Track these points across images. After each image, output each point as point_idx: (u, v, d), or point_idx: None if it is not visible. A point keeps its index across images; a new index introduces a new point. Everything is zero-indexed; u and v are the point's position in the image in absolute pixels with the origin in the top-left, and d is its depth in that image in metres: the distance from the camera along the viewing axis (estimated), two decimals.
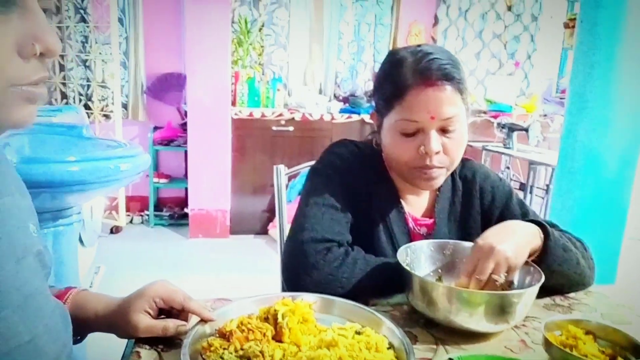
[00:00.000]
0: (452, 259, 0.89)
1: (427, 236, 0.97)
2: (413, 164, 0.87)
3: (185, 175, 3.67)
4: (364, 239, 0.91)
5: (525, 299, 0.73)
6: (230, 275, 2.97)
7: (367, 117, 3.67)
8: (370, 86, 4.11)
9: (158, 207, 3.85)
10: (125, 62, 3.63)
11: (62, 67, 3.52)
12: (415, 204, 0.99)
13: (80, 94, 3.55)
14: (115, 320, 0.67)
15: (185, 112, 3.55)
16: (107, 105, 3.47)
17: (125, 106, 3.66)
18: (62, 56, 3.48)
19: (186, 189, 3.66)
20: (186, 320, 0.70)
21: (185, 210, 3.67)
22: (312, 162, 1.53)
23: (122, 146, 1.57)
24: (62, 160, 1.25)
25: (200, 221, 3.54)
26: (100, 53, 3.43)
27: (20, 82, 0.40)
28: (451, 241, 0.90)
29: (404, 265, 0.79)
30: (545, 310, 0.86)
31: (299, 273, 0.83)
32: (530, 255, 0.81)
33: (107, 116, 3.44)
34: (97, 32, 3.41)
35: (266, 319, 0.69)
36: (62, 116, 2.07)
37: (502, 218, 0.97)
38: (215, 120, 3.41)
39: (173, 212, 3.83)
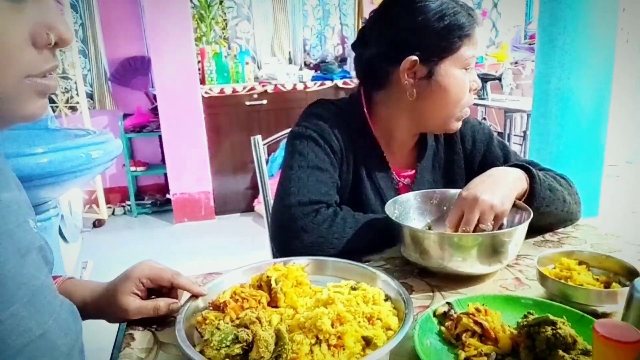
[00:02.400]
0: (439, 208, 0.88)
1: (412, 186, 0.96)
2: (465, 101, 0.90)
3: (163, 160, 3.60)
4: (351, 198, 0.90)
5: (516, 237, 0.73)
6: (221, 256, 2.95)
7: (339, 82, 3.62)
8: (339, 51, 4.04)
9: (139, 196, 3.78)
10: (84, 50, 3.48)
11: None
12: (397, 157, 0.98)
13: None
14: (104, 306, 0.65)
15: (155, 96, 3.45)
16: (71, 97, 3.34)
17: (90, 96, 3.53)
18: None
19: (165, 175, 3.59)
20: (177, 298, 0.68)
21: (168, 196, 3.62)
22: (284, 132, 1.51)
23: (90, 134, 1.51)
24: (30, 153, 1.20)
25: (184, 205, 3.50)
26: None
27: (34, 73, 0.40)
28: (437, 190, 0.90)
29: (393, 218, 0.78)
30: (536, 247, 0.87)
31: (288, 238, 0.82)
32: (518, 200, 0.81)
33: (73, 108, 3.32)
34: None
35: (259, 287, 0.68)
36: None
37: (484, 161, 0.97)
38: (186, 100, 3.33)
39: (155, 199, 3.77)
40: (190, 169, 3.45)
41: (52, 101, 3.29)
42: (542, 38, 2.10)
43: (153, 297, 0.68)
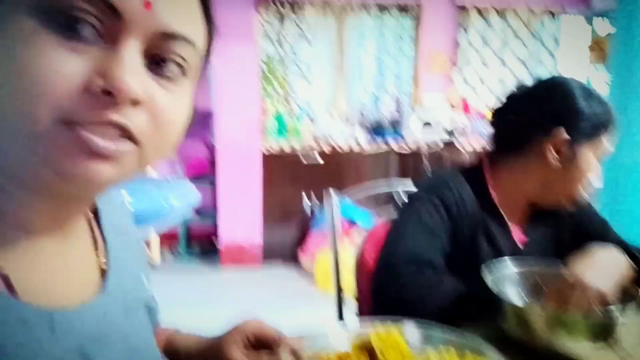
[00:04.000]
0: (538, 282, 0.86)
1: (523, 252, 0.97)
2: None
3: (214, 208, 3.69)
4: (467, 262, 0.90)
5: (628, 315, 0.70)
6: (266, 305, 2.93)
7: (395, 146, 3.67)
8: (394, 115, 4.13)
9: (189, 241, 3.86)
10: None
11: None
12: (512, 222, 1.01)
13: None
14: (209, 358, 0.66)
15: (213, 147, 3.60)
16: None
17: None
18: None
19: (215, 223, 3.66)
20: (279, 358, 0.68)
21: (216, 243, 3.67)
22: (359, 189, 1.53)
23: (171, 183, 1.58)
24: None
25: (232, 253, 3.54)
26: None
27: (75, 119, 0.34)
28: (538, 261, 0.89)
29: (488, 283, 0.76)
30: None
31: (389, 292, 0.83)
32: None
33: None
34: None
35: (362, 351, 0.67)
36: None
37: (582, 232, 0.99)
38: (244, 154, 3.45)
39: (204, 246, 3.83)
40: (241, 218, 3.52)
41: None
42: None
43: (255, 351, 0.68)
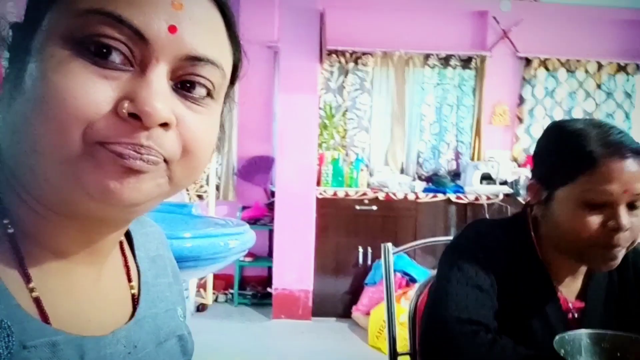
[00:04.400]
0: (612, 354, 0.77)
1: (580, 321, 0.87)
2: (595, 240, 0.80)
3: (269, 254, 3.71)
4: (511, 326, 0.83)
5: None
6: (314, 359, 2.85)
7: (452, 196, 3.58)
8: (453, 166, 4.06)
9: (242, 285, 3.89)
10: (219, 147, 3.88)
11: None
12: (567, 285, 0.91)
13: None
14: None
15: (272, 192, 3.67)
16: (201, 187, 3.68)
17: (217, 187, 3.87)
18: None
19: (269, 268, 3.68)
20: None
21: (269, 289, 3.67)
22: (416, 243, 1.49)
23: (229, 224, 1.62)
24: (179, 237, 1.30)
25: (283, 301, 3.51)
26: None
27: (107, 139, 0.35)
28: (609, 332, 0.79)
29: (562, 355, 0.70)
30: None
31: (444, 354, 0.77)
32: None
33: (200, 196, 3.64)
34: None
35: None
36: None
37: None
38: (301, 199, 3.49)
39: (256, 291, 3.84)
40: (294, 265, 3.51)
41: (185, 190, 3.66)
42: None
43: None
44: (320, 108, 3.84)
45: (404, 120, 4.01)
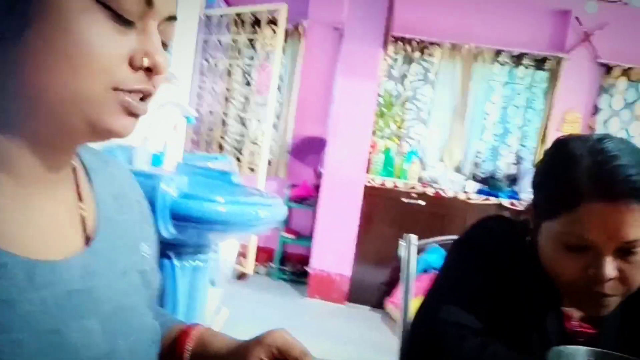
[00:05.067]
0: None
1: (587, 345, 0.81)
2: (578, 284, 0.72)
3: (312, 234, 3.77)
4: (509, 335, 0.79)
5: None
6: (344, 346, 2.88)
7: (505, 202, 3.44)
8: (512, 170, 3.89)
9: (282, 261, 3.98)
10: (276, 124, 3.97)
11: (223, 123, 3.98)
12: (577, 303, 0.82)
13: (234, 148, 3.94)
14: None
15: (321, 174, 3.71)
16: (254, 160, 3.79)
17: (269, 162, 3.96)
18: (225, 113, 3.94)
19: (310, 248, 3.74)
20: None
21: (307, 268, 3.73)
22: (445, 237, 1.46)
23: (263, 195, 1.66)
24: (213, 200, 1.36)
25: (320, 282, 3.56)
26: (256, 113, 3.81)
27: (123, 87, 0.42)
28: (617, 354, 0.74)
29: None
30: None
31: (428, 354, 0.76)
32: None
33: (252, 169, 3.74)
34: (257, 94, 3.81)
35: None
36: (217, 163, 2.30)
37: None
38: (349, 185, 3.50)
39: (296, 268, 3.92)
40: (334, 248, 3.54)
41: (238, 160, 3.77)
42: None
43: None
44: (379, 95, 3.80)
45: (465, 117, 3.88)
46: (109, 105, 0.43)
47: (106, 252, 0.50)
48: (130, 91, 0.43)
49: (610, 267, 0.69)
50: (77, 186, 0.51)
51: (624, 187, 0.67)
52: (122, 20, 0.42)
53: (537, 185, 0.81)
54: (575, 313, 0.83)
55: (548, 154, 0.80)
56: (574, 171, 0.71)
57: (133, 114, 0.44)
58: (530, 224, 0.82)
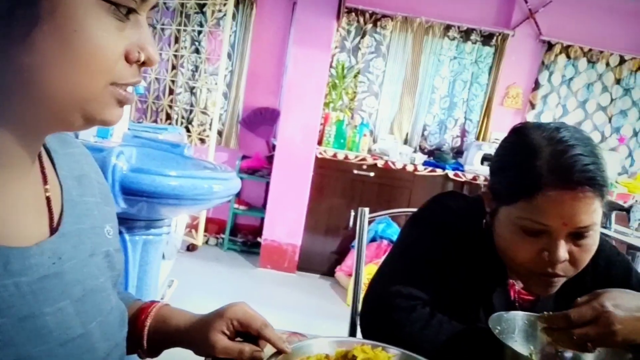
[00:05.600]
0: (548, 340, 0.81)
1: (527, 311, 0.88)
2: (531, 267, 0.77)
3: (264, 205, 3.77)
4: (455, 307, 0.84)
5: None
6: (294, 313, 2.95)
7: (451, 173, 3.59)
8: (457, 143, 4.04)
9: (233, 232, 3.98)
10: (227, 93, 3.88)
11: (171, 91, 3.84)
12: (519, 276, 0.90)
13: (183, 117, 3.83)
14: (194, 337, 0.68)
15: (274, 146, 3.69)
16: (204, 130, 3.70)
17: (220, 133, 3.88)
18: (172, 81, 3.80)
19: (262, 219, 3.75)
20: (261, 346, 0.69)
21: (258, 239, 3.75)
22: (395, 210, 1.51)
23: (217, 169, 1.65)
24: (165, 174, 1.33)
25: (271, 252, 3.60)
26: (206, 82, 3.70)
27: (120, 82, 0.45)
28: (545, 314, 0.82)
29: (495, 333, 0.73)
30: None
31: (379, 327, 0.80)
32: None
33: (202, 140, 3.66)
34: (207, 63, 3.70)
35: None
36: (166, 134, 2.24)
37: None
38: (300, 156, 3.51)
39: (247, 239, 3.93)
40: (286, 219, 3.57)
41: (187, 130, 3.68)
42: None
43: (239, 339, 0.69)
44: (332, 67, 3.80)
45: (415, 91, 3.96)
46: (105, 100, 0.44)
47: (73, 235, 0.50)
48: (126, 84, 0.46)
49: (563, 250, 0.74)
50: (42, 169, 0.51)
51: (581, 176, 0.71)
52: (122, 15, 0.43)
53: (496, 171, 0.84)
54: (518, 283, 0.90)
55: (507, 141, 0.83)
56: (534, 160, 0.74)
57: (124, 104, 0.47)
58: (487, 207, 0.85)
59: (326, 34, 3.39)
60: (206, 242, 3.92)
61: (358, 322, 1.04)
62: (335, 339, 0.73)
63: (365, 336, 0.81)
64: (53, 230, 0.48)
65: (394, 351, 0.71)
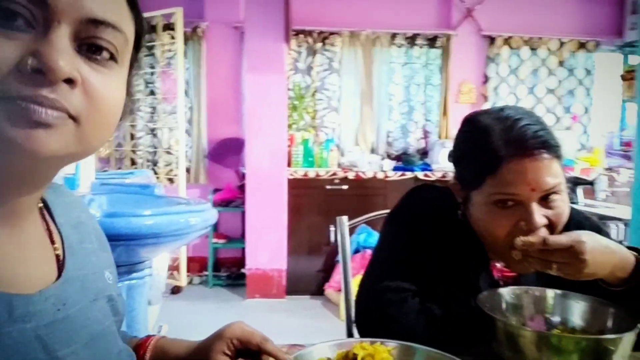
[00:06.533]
0: (535, 308, 0.84)
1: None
2: (512, 240, 0.78)
3: (243, 235, 3.75)
4: (443, 294, 0.86)
5: (624, 345, 0.68)
6: (289, 337, 2.91)
7: (420, 174, 3.67)
8: (421, 144, 4.14)
9: (216, 267, 3.92)
10: (189, 130, 3.87)
11: (132, 136, 3.80)
12: (499, 254, 0.91)
13: (148, 160, 3.79)
14: None
15: (243, 174, 3.69)
16: (171, 170, 3.67)
17: (188, 170, 3.86)
18: (132, 126, 3.77)
19: (243, 249, 3.72)
20: None
21: (243, 270, 3.71)
22: (373, 214, 1.54)
23: (190, 203, 1.64)
24: (140, 214, 1.32)
25: (257, 281, 3.56)
26: (166, 122, 3.69)
27: (11, 93, 0.37)
28: (532, 288, 0.86)
29: (485, 310, 0.76)
30: None
31: (374, 323, 0.82)
32: (618, 286, 0.75)
33: (171, 180, 3.63)
34: (165, 102, 3.69)
35: None
36: (134, 178, 2.22)
37: None
38: (272, 181, 3.52)
39: (231, 272, 3.89)
40: (267, 245, 3.56)
41: (154, 173, 3.64)
42: None
43: (240, 359, 0.70)
44: (289, 89, 3.85)
45: (373, 100, 4.05)
46: (4, 116, 0.37)
47: (77, 281, 0.50)
48: (21, 98, 0.38)
49: (538, 216, 0.78)
50: (43, 218, 0.51)
51: (535, 141, 0.77)
52: (11, 26, 0.38)
53: (457, 160, 0.88)
54: (499, 263, 0.93)
55: (461, 131, 0.88)
56: (489, 139, 0.79)
57: (39, 124, 0.38)
58: (458, 198, 0.89)
59: (278, 58, 3.45)
60: (190, 282, 3.85)
61: (354, 327, 1.05)
62: (335, 342, 0.74)
63: (362, 336, 0.83)
64: (57, 277, 0.48)
65: (392, 344, 0.73)
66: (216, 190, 3.89)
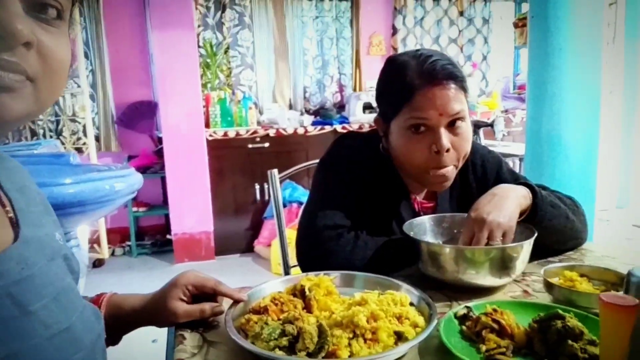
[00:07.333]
0: (451, 231, 0.96)
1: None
2: (426, 165, 0.92)
3: (164, 201, 3.65)
4: (374, 227, 0.97)
5: (523, 252, 0.81)
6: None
7: (339, 127, 3.77)
8: (337, 98, 4.23)
9: (139, 236, 3.81)
10: (93, 95, 3.62)
11: None
12: (419, 189, 1.06)
13: (51, 130, 3.51)
14: (153, 312, 0.71)
15: (159, 139, 3.56)
16: (79, 139, 3.45)
17: (97, 138, 3.64)
18: None
19: (166, 216, 3.64)
20: (219, 302, 0.75)
21: (168, 236, 3.65)
22: (302, 165, 1.60)
23: (112, 169, 1.59)
24: (59, 183, 1.27)
25: (185, 245, 3.53)
26: (68, 87, 3.41)
27: None
28: (448, 214, 0.98)
29: (410, 236, 0.86)
30: (540, 267, 0.94)
31: (315, 259, 0.90)
32: (521, 215, 0.89)
33: (79, 149, 3.41)
34: None
35: (294, 295, 0.74)
36: (42, 149, 2.07)
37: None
38: (191, 143, 3.44)
39: (155, 240, 3.80)
40: (192, 209, 3.51)
41: (61, 142, 3.39)
42: (532, 86, 2.26)
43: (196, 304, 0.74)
44: (200, 46, 3.71)
45: (287, 56, 4.03)
46: None
47: (33, 242, 0.50)
48: None
49: (445, 139, 0.90)
50: None
51: (443, 72, 0.89)
52: None
53: (379, 96, 0.99)
54: (419, 196, 1.05)
55: (383, 70, 0.98)
56: (405, 72, 0.90)
57: (3, 89, 0.40)
58: (380, 132, 1.00)
59: (185, 12, 3.29)
60: (112, 254, 3.72)
61: (291, 271, 1.13)
62: (284, 278, 0.80)
63: (305, 272, 0.90)
64: (13, 239, 0.48)
65: (334, 273, 0.80)
66: (131, 157, 3.72)
